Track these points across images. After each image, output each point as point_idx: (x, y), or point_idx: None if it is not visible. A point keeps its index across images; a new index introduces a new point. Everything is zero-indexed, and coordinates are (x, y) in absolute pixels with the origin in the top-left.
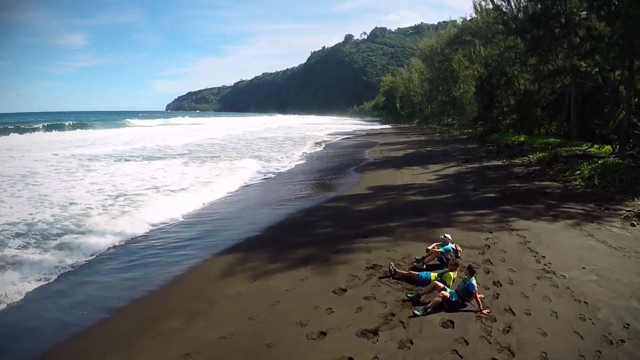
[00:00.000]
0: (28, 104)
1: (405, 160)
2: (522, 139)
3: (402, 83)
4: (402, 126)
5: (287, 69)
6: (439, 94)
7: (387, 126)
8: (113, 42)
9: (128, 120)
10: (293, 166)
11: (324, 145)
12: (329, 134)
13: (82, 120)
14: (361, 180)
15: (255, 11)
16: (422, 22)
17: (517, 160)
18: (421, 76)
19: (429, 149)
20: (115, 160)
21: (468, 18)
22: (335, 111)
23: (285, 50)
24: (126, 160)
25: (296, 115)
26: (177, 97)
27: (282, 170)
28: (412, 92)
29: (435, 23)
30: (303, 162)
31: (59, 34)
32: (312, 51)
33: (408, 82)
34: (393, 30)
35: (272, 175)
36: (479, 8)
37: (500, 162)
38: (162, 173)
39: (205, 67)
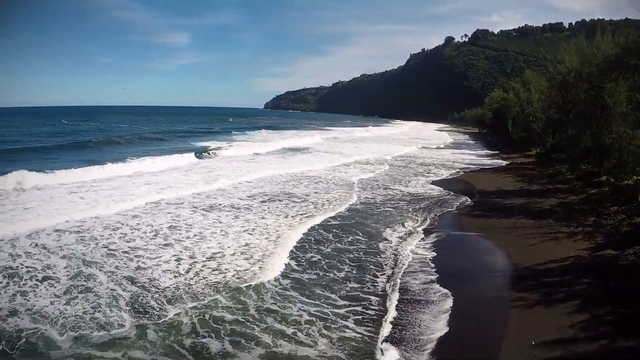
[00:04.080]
0: (132, 97)
1: None
2: None
3: (516, 102)
4: (519, 161)
5: (386, 70)
6: (581, 133)
7: (499, 161)
8: (215, 40)
9: (211, 147)
10: None
11: None
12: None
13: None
14: None
15: (355, 12)
16: (525, 25)
17: None
18: (545, 98)
19: None
20: None
21: None
22: (435, 117)
23: (384, 51)
24: None
25: (398, 122)
26: (275, 96)
27: None
28: (531, 118)
29: (540, 25)
30: None
31: (164, 32)
32: (412, 53)
33: (526, 103)
34: (495, 32)
35: None
36: None
37: None
38: None
39: (305, 67)
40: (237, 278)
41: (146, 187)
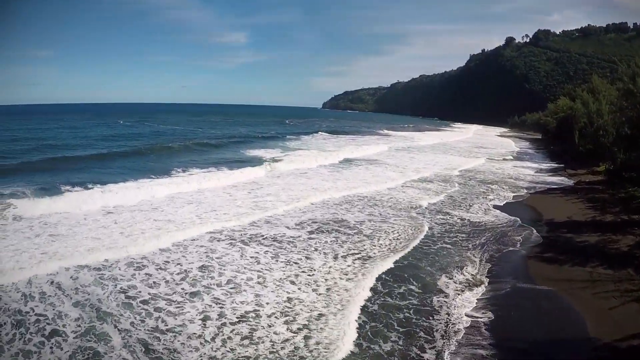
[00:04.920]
0: (191, 95)
1: None
2: None
3: (584, 113)
4: (587, 179)
5: (445, 71)
6: None
7: (564, 178)
8: (273, 40)
9: (264, 158)
10: None
11: None
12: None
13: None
14: None
15: (412, 11)
16: (588, 25)
17: None
18: (615, 109)
19: None
20: None
21: None
22: (495, 121)
23: (442, 51)
24: None
25: (459, 125)
26: (333, 96)
27: None
28: (601, 132)
29: (604, 25)
30: None
31: (222, 32)
32: (471, 54)
33: (596, 115)
34: (557, 33)
35: None
36: None
37: None
38: None
39: (362, 66)
40: (272, 353)
41: (186, 210)
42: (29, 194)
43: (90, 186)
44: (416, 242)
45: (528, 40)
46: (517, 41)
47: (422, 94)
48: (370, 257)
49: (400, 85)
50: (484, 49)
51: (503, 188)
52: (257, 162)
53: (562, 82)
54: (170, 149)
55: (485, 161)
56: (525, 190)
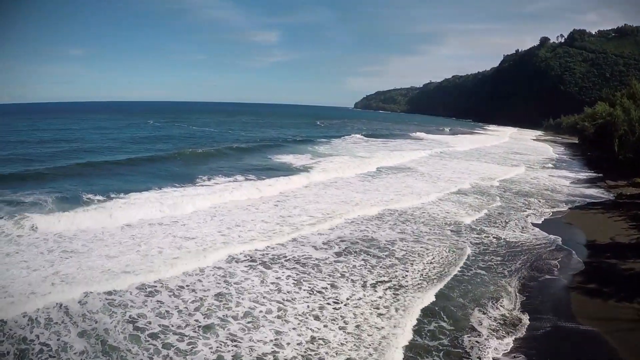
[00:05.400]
0: (222, 94)
1: None
2: None
3: (625, 119)
4: (628, 192)
5: (478, 72)
6: None
7: (604, 191)
8: (304, 39)
9: (293, 165)
10: None
11: None
12: None
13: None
14: None
15: (446, 11)
16: (625, 24)
17: None
18: None
19: None
20: None
21: None
22: (529, 123)
23: (476, 51)
24: None
25: (493, 128)
26: (365, 96)
27: None
28: None
29: None
30: None
31: (254, 31)
32: (505, 54)
33: (638, 124)
34: (593, 32)
35: None
36: None
37: None
38: None
39: (395, 66)
40: None
41: (207, 225)
42: (50, 203)
43: (112, 195)
44: (455, 271)
45: (563, 41)
46: (551, 41)
47: (455, 95)
48: (402, 285)
49: (432, 85)
50: (518, 49)
51: (540, 202)
52: (286, 169)
53: (599, 84)
54: (197, 154)
55: (524, 170)
56: (564, 205)
